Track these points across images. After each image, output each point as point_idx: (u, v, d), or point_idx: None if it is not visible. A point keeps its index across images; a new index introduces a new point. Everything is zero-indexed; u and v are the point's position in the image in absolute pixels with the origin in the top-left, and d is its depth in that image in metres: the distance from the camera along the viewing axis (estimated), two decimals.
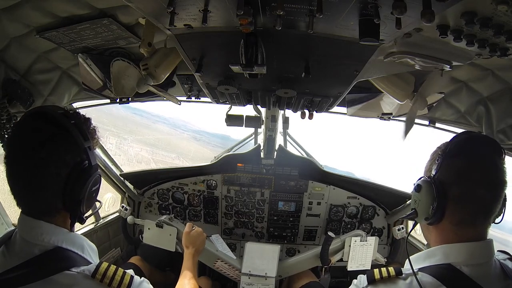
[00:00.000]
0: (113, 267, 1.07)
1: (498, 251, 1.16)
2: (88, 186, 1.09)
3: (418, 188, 1.13)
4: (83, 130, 1.11)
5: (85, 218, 1.15)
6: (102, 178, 1.21)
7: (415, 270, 1.05)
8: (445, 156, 1.09)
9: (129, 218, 2.68)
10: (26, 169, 1.03)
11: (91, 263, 1.09)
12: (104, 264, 1.06)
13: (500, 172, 1.06)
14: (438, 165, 1.09)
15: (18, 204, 1.07)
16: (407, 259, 1.14)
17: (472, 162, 1.07)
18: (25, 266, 0.99)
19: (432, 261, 1.08)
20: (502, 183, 1.06)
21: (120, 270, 1.08)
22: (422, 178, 1.14)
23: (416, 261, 1.14)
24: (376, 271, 1.12)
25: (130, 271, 1.13)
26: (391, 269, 1.10)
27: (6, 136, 1.65)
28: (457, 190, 1.06)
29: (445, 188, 1.06)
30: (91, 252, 1.15)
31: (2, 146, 1.66)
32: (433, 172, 1.10)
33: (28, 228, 1.05)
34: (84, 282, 1.01)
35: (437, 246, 1.11)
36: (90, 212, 1.23)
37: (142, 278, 1.16)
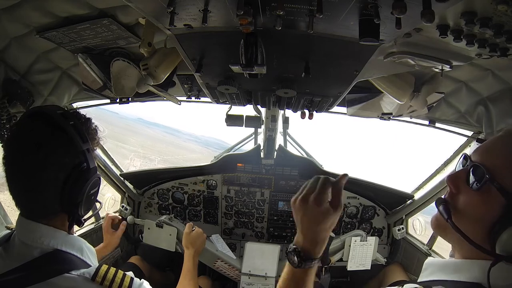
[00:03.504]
0: (113, 270, 1.07)
1: None
2: (86, 189, 1.08)
3: None
4: (82, 131, 1.09)
5: (83, 221, 1.14)
6: (102, 178, 1.20)
7: (436, 282, 0.86)
8: None
9: (129, 218, 2.68)
10: (24, 171, 1.02)
11: (90, 265, 1.09)
12: (104, 267, 1.06)
13: None
14: None
15: (17, 206, 1.07)
16: (427, 264, 0.96)
17: None
18: (22, 268, 0.99)
19: (464, 276, 0.85)
20: None
21: (120, 272, 1.08)
22: None
23: (440, 270, 0.92)
24: None
25: (130, 273, 1.13)
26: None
27: (6, 136, 1.65)
28: None
29: None
30: (90, 255, 1.15)
31: (2, 146, 1.66)
32: None
33: (27, 230, 1.04)
34: (84, 285, 1.01)
35: (472, 260, 0.87)
36: (90, 213, 1.22)
37: (142, 280, 1.16)
